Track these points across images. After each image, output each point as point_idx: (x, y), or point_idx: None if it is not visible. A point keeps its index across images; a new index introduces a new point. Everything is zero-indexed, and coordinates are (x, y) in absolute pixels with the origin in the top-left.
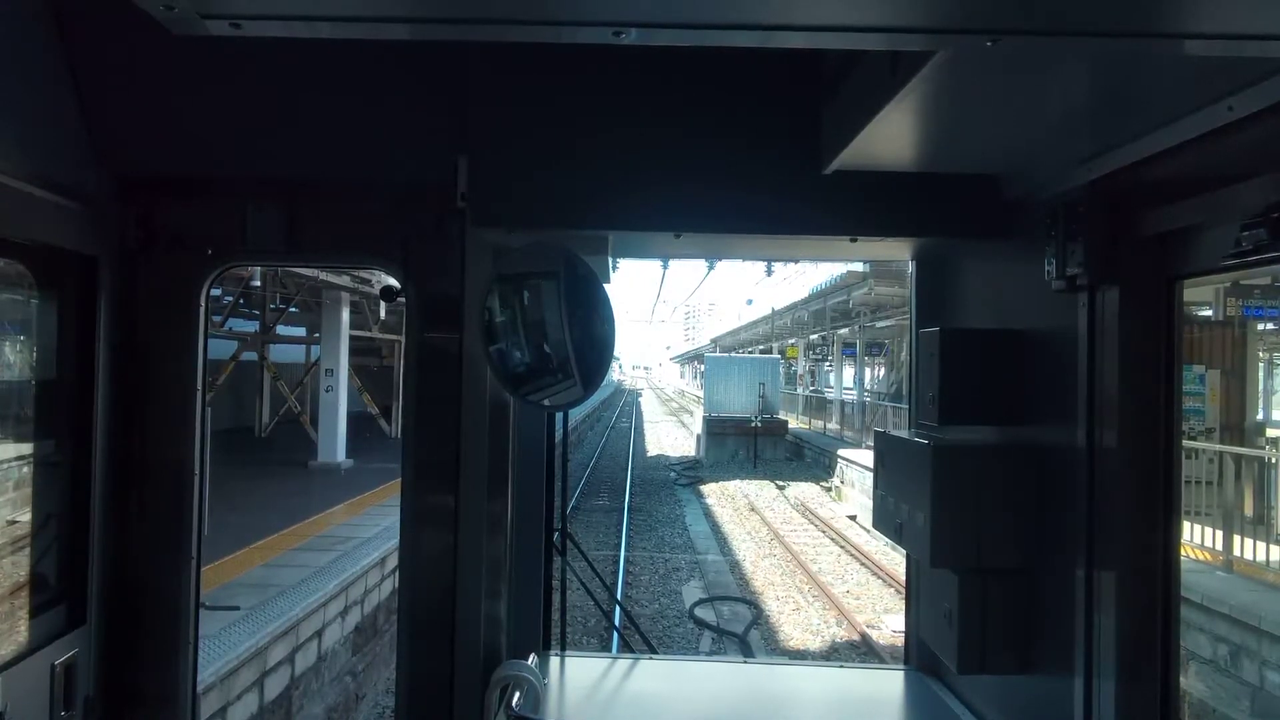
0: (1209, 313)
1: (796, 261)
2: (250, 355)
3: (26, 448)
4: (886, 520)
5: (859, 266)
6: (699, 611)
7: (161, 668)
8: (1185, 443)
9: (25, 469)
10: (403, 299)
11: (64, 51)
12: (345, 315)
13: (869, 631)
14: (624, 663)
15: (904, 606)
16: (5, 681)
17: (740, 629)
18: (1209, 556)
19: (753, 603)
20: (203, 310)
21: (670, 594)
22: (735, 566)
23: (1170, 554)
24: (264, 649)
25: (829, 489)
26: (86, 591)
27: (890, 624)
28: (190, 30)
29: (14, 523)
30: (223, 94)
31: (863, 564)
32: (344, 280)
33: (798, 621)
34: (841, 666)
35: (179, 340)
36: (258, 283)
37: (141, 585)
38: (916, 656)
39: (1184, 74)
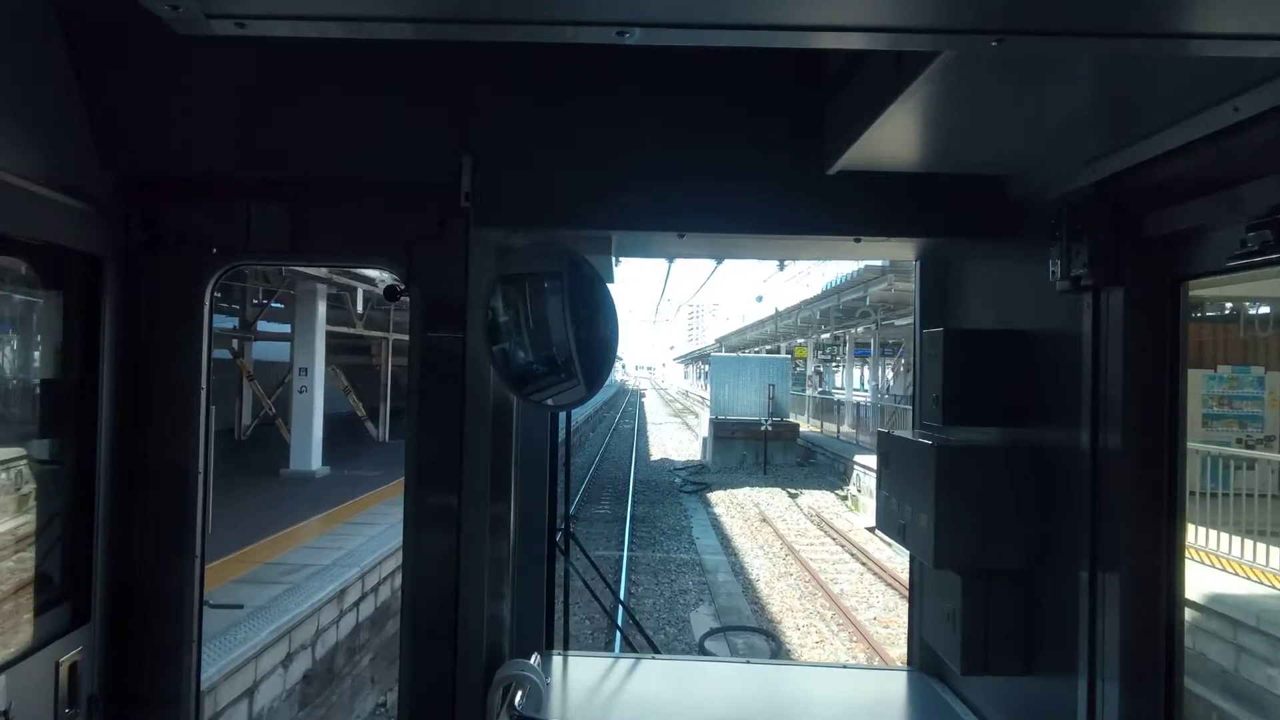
0: (1266, 310)
1: (803, 260)
2: (222, 353)
3: (31, 447)
4: (890, 521)
5: (875, 263)
6: (710, 645)
7: (165, 666)
8: (1242, 451)
9: (29, 468)
10: (406, 299)
11: (69, 51)
12: (321, 310)
13: None
14: (626, 662)
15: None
16: (10, 680)
17: None
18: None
19: (770, 634)
20: (207, 310)
21: (677, 621)
22: (748, 588)
23: (1174, 556)
24: None
25: (845, 498)
26: (91, 590)
27: None
28: (195, 30)
29: (18, 522)
30: (227, 94)
31: (889, 584)
32: (320, 271)
33: (823, 658)
34: (844, 667)
35: (183, 340)
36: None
37: (145, 584)
38: (920, 658)
39: (1189, 75)
